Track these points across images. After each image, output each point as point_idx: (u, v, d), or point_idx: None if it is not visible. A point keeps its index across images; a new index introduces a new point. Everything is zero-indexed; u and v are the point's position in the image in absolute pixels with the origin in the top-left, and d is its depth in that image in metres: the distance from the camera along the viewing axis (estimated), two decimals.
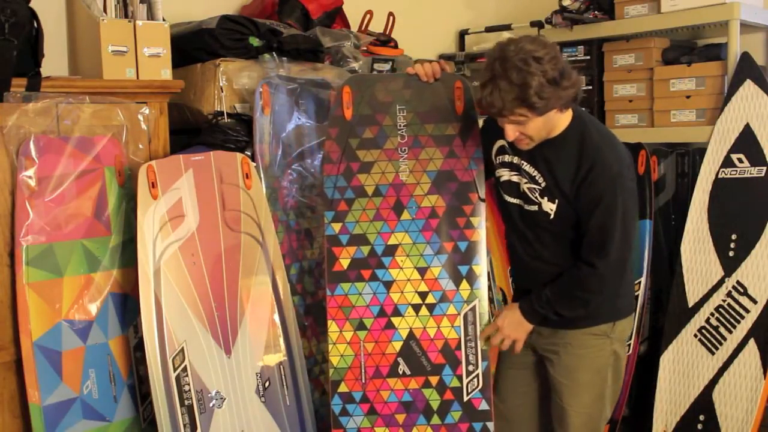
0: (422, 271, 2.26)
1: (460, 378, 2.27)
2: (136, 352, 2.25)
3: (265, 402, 2.31)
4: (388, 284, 2.26)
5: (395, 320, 2.25)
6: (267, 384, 2.33)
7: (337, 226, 2.25)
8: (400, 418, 2.27)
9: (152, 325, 2.11)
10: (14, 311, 2.05)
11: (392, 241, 2.26)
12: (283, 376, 2.36)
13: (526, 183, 2.11)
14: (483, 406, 2.29)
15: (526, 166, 2.11)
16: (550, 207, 2.07)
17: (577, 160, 2.02)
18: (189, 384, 2.15)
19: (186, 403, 2.14)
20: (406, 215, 2.27)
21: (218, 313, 2.24)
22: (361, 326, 2.25)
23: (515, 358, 2.31)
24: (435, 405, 2.27)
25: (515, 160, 2.14)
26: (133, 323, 2.25)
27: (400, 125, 2.28)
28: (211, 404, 2.19)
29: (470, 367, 2.27)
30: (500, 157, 2.19)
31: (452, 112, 2.29)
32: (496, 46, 1.96)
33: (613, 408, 2.28)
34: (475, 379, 2.28)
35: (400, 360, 2.25)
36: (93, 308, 2.17)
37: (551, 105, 1.93)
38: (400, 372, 2.26)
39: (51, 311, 2.08)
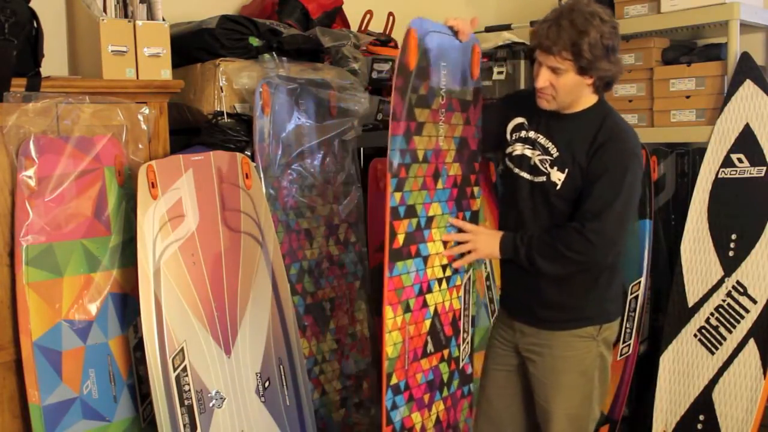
0: (444, 243, 2.21)
1: (458, 347, 2.26)
2: (136, 352, 2.25)
3: (265, 402, 2.31)
4: (426, 259, 2.14)
5: (428, 297, 2.17)
6: (267, 384, 2.33)
7: (398, 196, 2.03)
8: (426, 398, 2.21)
9: (152, 325, 2.11)
10: (14, 311, 2.05)
11: (431, 212, 2.15)
12: (283, 376, 2.36)
13: (538, 155, 2.13)
14: (470, 369, 2.31)
15: (542, 139, 2.14)
16: (558, 177, 2.08)
17: (595, 132, 2.07)
18: (189, 384, 2.15)
19: (186, 403, 2.14)
20: (440, 184, 2.17)
21: (218, 313, 2.24)
22: (407, 308, 2.12)
23: (499, 358, 2.30)
24: (446, 378, 2.25)
25: (531, 134, 2.16)
26: (133, 323, 2.25)
27: (441, 84, 2.13)
28: (211, 404, 2.19)
29: (464, 335, 2.27)
30: (516, 133, 2.21)
31: (470, 77, 2.23)
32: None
33: (600, 408, 2.28)
34: (467, 346, 2.28)
35: (429, 339, 2.19)
36: (93, 308, 2.17)
37: (593, 67, 2.00)
38: (428, 351, 2.20)
39: (51, 311, 2.08)
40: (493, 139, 2.28)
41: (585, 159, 2.06)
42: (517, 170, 2.19)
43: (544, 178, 2.11)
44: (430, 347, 2.20)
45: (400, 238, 2.06)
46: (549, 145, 2.12)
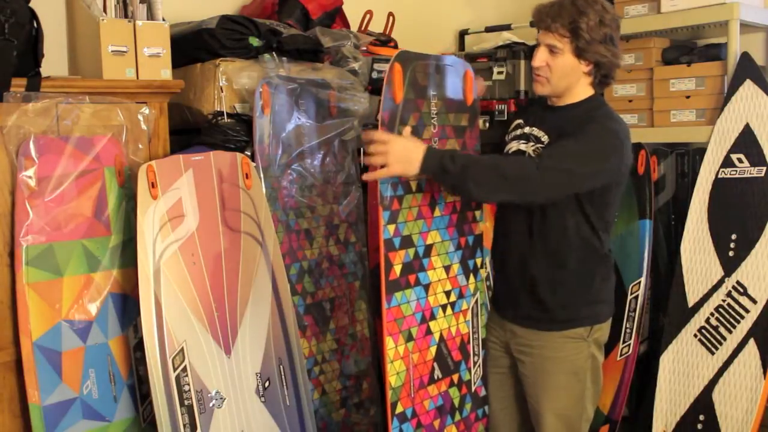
0: (447, 269, 2.20)
1: (469, 371, 2.25)
2: (136, 352, 2.25)
3: (265, 402, 2.31)
4: (426, 287, 2.15)
5: (432, 324, 2.17)
6: (267, 384, 2.33)
7: (392, 228, 2.05)
8: (437, 423, 2.21)
9: (152, 325, 2.11)
10: (14, 311, 2.05)
11: (429, 240, 2.15)
12: (283, 376, 2.36)
13: (532, 146, 2.14)
14: (483, 392, 2.29)
15: (535, 131, 2.15)
16: None
17: (585, 118, 2.06)
18: (189, 384, 2.15)
19: (186, 403, 2.14)
20: (437, 212, 2.18)
21: (218, 313, 2.24)
22: (409, 337, 2.11)
23: (492, 360, 2.31)
24: (457, 402, 2.24)
25: (527, 129, 2.17)
26: (133, 323, 2.25)
27: (432, 113, 2.14)
28: (211, 404, 2.19)
29: (475, 358, 2.26)
30: (513, 132, 2.23)
31: (464, 102, 2.24)
32: None
33: (594, 408, 2.27)
34: (479, 369, 2.27)
35: (435, 365, 2.18)
36: (93, 308, 2.17)
37: (590, 50, 2.01)
38: (436, 377, 2.19)
39: (51, 311, 2.08)
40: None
41: (572, 134, 2.05)
42: None
43: None
44: (437, 373, 2.19)
45: (397, 269, 2.05)
46: (541, 134, 2.12)
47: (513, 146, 2.19)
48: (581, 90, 2.10)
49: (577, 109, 2.11)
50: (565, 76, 2.05)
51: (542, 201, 2.02)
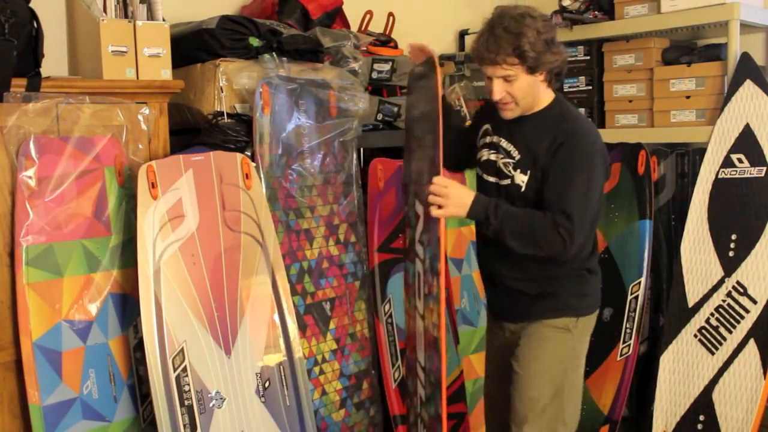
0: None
1: None
2: (136, 352, 2.25)
3: (265, 402, 2.31)
4: None
5: None
6: (267, 384, 2.33)
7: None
8: None
9: (152, 326, 2.11)
10: (14, 311, 2.05)
11: None
12: (283, 376, 2.36)
13: (502, 159, 2.16)
14: None
15: (504, 143, 2.16)
16: (521, 179, 2.11)
17: (554, 132, 2.08)
18: (189, 384, 2.15)
19: (186, 403, 2.14)
20: None
21: (218, 313, 2.24)
22: None
23: (499, 361, 2.31)
24: None
25: (494, 139, 2.19)
26: (133, 323, 2.25)
27: None
28: (211, 404, 2.19)
29: None
30: (483, 139, 2.25)
31: None
32: (495, 9, 2.14)
33: (575, 423, 2.24)
34: None
35: None
36: (93, 308, 2.17)
37: (541, 62, 2.03)
38: None
39: (51, 311, 2.08)
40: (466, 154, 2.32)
41: (546, 159, 2.07)
42: (485, 176, 2.22)
43: (509, 181, 2.14)
44: None
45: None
46: (510, 147, 2.14)
47: (484, 155, 2.22)
48: (544, 96, 2.14)
49: (541, 119, 2.12)
50: (529, 94, 2.10)
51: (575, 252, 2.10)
